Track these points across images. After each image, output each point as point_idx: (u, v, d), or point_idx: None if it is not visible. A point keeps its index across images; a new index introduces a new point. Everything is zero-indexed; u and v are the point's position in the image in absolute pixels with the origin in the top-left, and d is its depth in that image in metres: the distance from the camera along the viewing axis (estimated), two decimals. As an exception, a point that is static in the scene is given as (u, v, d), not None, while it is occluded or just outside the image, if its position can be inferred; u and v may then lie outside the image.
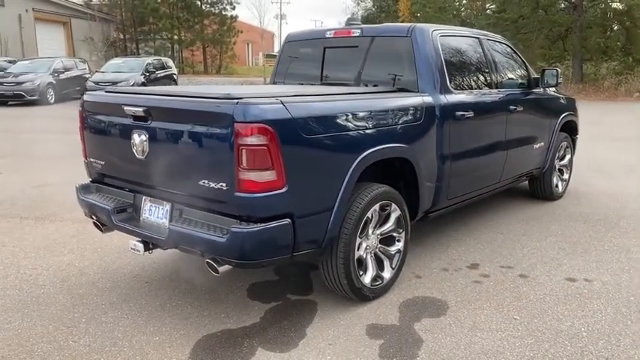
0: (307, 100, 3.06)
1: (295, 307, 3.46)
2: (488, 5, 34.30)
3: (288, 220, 2.86)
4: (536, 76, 5.32)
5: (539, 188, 5.88)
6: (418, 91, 3.91)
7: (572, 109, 6.05)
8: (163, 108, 3.03)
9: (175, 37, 39.39)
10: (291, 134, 2.81)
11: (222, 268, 2.89)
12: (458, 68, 4.36)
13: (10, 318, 3.33)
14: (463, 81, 4.39)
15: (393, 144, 3.46)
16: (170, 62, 24.24)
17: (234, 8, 40.42)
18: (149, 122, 3.07)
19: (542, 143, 5.45)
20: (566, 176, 6.19)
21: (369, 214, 3.37)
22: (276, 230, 2.82)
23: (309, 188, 2.95)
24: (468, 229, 5.00)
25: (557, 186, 5.98)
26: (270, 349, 2.96)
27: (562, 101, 5.86)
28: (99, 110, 3.51)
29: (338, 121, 3.09)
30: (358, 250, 3.37)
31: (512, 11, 24.45)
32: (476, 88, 4.51)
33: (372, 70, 4.25)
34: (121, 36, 39.41)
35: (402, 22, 40.15)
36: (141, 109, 3.06)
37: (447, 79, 4.05)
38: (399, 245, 3.69)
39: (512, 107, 4.77)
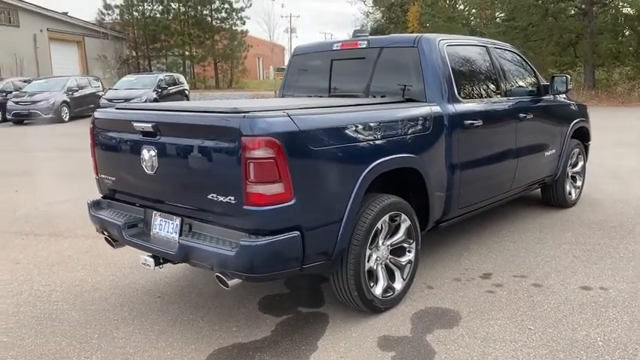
0: (314, 112, 3.07)
1: (306, 320, 3.44)
2: (497, 14, 34.31)
3: (297, 232, 2.86)
4: (545, 83, 5.30)
5: (551, 196, 5.82)
6: (426, 101, 3.91)
7: (584, 116, 6.00)
8: (171, 123, 3.06)
9: (187, 53, 39.83)
10: (298, 146, 2.82)
11: (231, 282, 2.89)
12: (466, 77, 4.36)
13: (24, 334, 3.35)
14: (471, 90, 4.38)
15: (402, 154, 3.46)
16: (182, 78, 24.51)
17: (244, 23, 40.80)
18: (158, 137, 3.10)
19: (554, 150, 5.40)
20: (579, 183, 6.12)
21: (378, 225, 3.35)
22: (285, 243, 2.81)
23: (317, 200, 2.95)
24: (480, 238, 4.96)
25: (570, 193, 5.91)
26: (282, 362, 2.95)
27: (573, 108, 5.81)
28: (109, 127, 3.54)
29: (346, 132, 3.09)
30: (368, 261, 3.35)
31: (522, 19, 24.41)
32: (485, 97, 4.50)
33: (380, 81, 4.26)
34: (134, 53, 39.95)
35: (410, 32, 40.33)
36: (150, 125, 3.09)
37: (455, 88, 4.04)
38: (410, 256, 3.67)
39: (522, 115, 4.74)
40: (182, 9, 38.93)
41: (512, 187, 4.86)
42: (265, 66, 58.99)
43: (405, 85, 4.07)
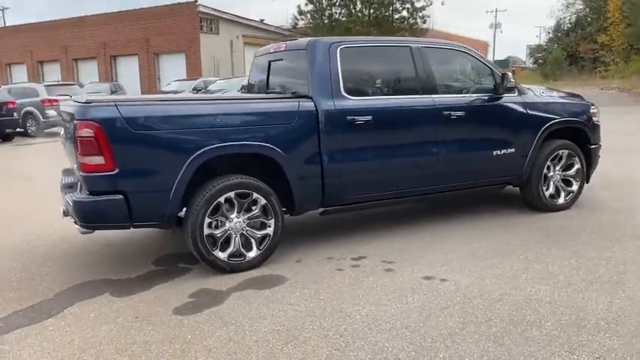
0: (142, 103, 3.94)
1: (172, 272, 4.28)
2: None
3: (121, 195, 3.75)
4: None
5: (527, 197, 5.62)
6: (310, 97, 4.40)
7: (579, 116, 5.63)
8: (62, 111, 4.20)
9: (368, 53, 41.49)
10: (120, 129, 3.70)
11: (81, 230, 3.92)
12: (362, 77, 4.69)
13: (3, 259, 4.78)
14: (368, 88, 4.69)
15: (248, 142, 4.08)
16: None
17: (424, 22, 40.97)
18: (65, 122, 4.27)
19: (512, 150, 5.25)
20: (574, 187, 5.71)
21: (221, 200, 4.04)
22: (107, 203, 3.73)
23: (142, 173, 3.81)
24: (409, 227, 5.17)
25: (553, 196, 5.59)
26: (115, 295, 3.85)
27: (552, 106, 5.48)
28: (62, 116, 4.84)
29: (173, 121, 3.87)
30: (214, 228, 4.06)
31: None
32: (389, 95, 4.75)
33: (289, 79, 4.87)
34: (320, 54, 43.06)
35: (610, 24, 36.33)
36: (57, 113, 4.27)
37: (341, 87, 4.44)
38: (269, 230, 4.25)
39: (447, 112, 4.83)
40: (365, 11, 40.73)
41: (438, 183, 4.96)
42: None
43: (300, 83, 4.61)
